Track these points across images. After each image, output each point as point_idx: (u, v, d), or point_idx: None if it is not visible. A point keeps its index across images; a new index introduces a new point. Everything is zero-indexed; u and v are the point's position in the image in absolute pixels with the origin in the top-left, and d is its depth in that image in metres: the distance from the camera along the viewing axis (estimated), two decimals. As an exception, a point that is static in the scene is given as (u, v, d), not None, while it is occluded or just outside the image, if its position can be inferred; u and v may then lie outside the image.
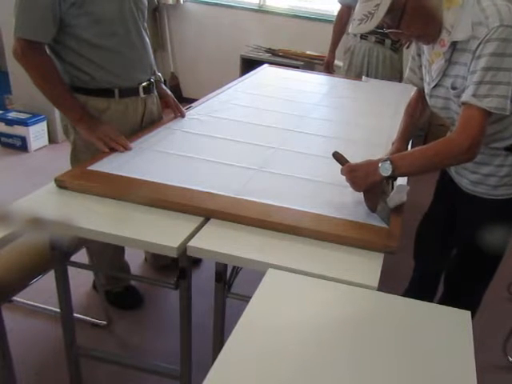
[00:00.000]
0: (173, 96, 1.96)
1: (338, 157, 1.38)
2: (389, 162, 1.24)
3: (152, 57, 1.82)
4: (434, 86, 1.39)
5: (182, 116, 1.92)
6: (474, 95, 1.20)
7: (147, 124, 1.82)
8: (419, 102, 1.63)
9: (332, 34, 3.21)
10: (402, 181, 1.42)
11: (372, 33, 2.96)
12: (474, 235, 1.48)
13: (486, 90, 1.19)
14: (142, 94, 1.76)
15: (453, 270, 1.70)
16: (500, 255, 1.55)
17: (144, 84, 1.76)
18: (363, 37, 3.00)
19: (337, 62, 3.31)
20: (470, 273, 1.63)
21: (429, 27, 1.31)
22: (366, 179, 1.29)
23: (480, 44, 1.19)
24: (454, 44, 1.28)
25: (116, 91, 1.67)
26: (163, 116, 1.95)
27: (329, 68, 3.27)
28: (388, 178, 1.28)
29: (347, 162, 1.35)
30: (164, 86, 1.97)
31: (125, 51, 1.65)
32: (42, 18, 1.47)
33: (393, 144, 1.64)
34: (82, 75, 1.62)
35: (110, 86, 1.66)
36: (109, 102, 1.67)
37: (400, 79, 3.13)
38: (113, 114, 1.69)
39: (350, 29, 1.36)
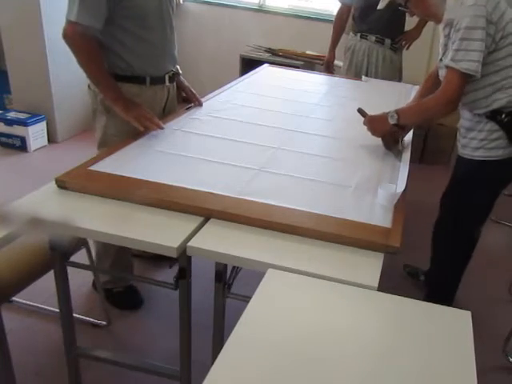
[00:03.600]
0: (190, 87, 2.10)
1: (361, 111, 1.87)
2: (395, 113, 1.70)
3: (176, 49, 1.96)
4: (440, 59, 1.70)
5: (200, 105, 2.07)
6: (452, 59, 1.56)
7: (169, 110, 1.99)
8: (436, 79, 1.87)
9: (332, 32, 3.21)
10: (402, 180, 1.42)
11: (372, 32, 2.98)
12: (457, 192, 1.87)
13: (462, 55, 1.53)
14: (167, 83, 1.92)
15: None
16: (476, 213, 1.87)
17: (169, 74, 1.92)
18: (363, 36, 3.01)
19: (337, 62, 3.31)
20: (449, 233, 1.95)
21: (432, 9, 1.65)
22: (381, 127, 1.74)
23: (458, 20, 1.53)
24: (451, 22, 1.59)
25: (148, 79, 1.83)
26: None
27: (329, 67, 3.27)
28: (396, 125, 1.71)
29: (367, 114, 1.83)
30: (182, 78, 2.09)
31: (159, 43, 1.82)
32: (97, 6, 1.61)
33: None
34: (121, 63, 1.77)
35: (144, 73, 1.81)
36: (141, 89, 1.82)
37: (399, 79, 3.13)
38: (143, 100, 1.81)
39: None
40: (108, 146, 1.73)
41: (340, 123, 2.07)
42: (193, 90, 2.09)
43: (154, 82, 1.85)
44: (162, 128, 1.72)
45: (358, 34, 3.03)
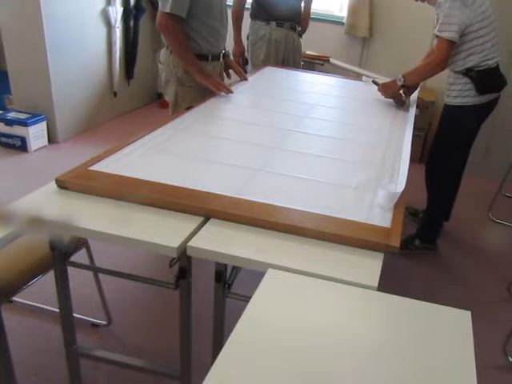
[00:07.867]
0: (237, 65, 2.61)
1: (375, 82, 2.55)
2: (402, 76, 2.33)
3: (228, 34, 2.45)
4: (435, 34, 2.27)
5: (245, 79, 2.56)
6: (438, 30, 2.20)
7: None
8: None
9: (234, 24, 3.09)
10: (402, 181, 1.42)
11: (289, 19, 3.10)
12: (443, 132, 2.51)
13: (445, 27, 2.18)
14: (221, 60, 2.44)
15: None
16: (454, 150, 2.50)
17: (222, 53, 2.43)
18: (279, 24, 3.10)
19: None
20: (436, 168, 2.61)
21: None
22: (391, 89, 2.39)
23: (443, 2, 2.19)
24: (439, 5, 2.21)
25: (210, 56, 2.33)
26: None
27: (240, 61, 3.20)
28: (403, 86, 2.35)
29: (379, 83, 2.47)
30: (231, 58, 2.63)
31: (219, 28, 2.32)
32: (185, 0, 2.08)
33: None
34: (192, 44, 2.24)
35: (207, 52, 2.31)
36: (204, 64, 2.29)
37: (300, 61, 3.36)
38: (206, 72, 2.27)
39: None
40: (179, 107, 2.23)
41: (340, 123, 2.07)
42: (238, 67, 2.60)
43: (213, 58, 2.34)
44: (232, 92, 2.23)
45: (273, 23, 3.08)
